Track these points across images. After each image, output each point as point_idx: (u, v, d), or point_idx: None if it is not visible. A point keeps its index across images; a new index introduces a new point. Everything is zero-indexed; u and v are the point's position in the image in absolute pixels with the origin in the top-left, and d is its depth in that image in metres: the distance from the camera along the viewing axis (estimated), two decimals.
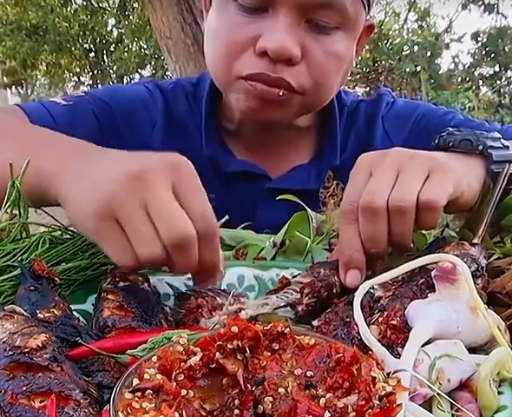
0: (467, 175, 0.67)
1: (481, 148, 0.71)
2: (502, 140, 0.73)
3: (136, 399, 0.40)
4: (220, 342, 0.43)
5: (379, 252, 0.61)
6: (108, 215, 0.54)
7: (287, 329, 0.45)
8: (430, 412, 0.43)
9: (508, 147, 0.73)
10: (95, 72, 11.11)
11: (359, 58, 8.09)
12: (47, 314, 0.53)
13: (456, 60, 7.52)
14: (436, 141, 0.75)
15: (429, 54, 7.16)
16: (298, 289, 0.60)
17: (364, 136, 1.02)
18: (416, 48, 7.34)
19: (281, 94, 0.83)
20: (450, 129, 0.74)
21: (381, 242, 0.60)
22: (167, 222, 0.53)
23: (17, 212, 0.67)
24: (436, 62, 7.23)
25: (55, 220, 0.72)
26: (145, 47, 10.27)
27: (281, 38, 0.80)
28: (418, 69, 7.06)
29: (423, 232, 0.70)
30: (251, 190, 0.97)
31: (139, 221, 0.53)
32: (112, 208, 0.53)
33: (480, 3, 7.28)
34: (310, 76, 0.84)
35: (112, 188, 0.54)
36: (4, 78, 10.95)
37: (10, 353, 0.44)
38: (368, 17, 0.92)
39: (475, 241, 0.63)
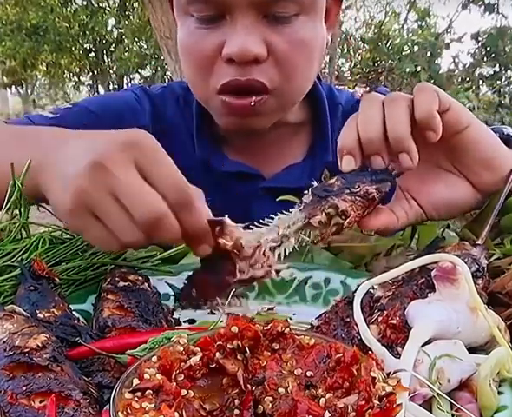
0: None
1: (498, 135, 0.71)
2: None
3: (136, 399, 0.40)
4: (220, 342, 0.43)
5: (372, 139, 0.63)
6: (82, 210, 0.55)
7: (287, 329, 0.45)
8: (430, 412, 0.43)
9: None
10: (95, 72, 11.10)
11: (359, 59, 8.09)
12: (47, 314, 0.53)
13: (456, 60, 7.52)
14: None
15: (429, 54, 7.16)
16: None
17: None
18: (416, 48, 7.34)
19: (253, 103, 0.83)
20: None
21: (374, 126, 0.63)
22: (136, 205, 0.54)
23: (18, 212, 0.67)
24: (436, 62, 7.23)
25: (57, 217, 0.72)
26: (145, 47, 10.26)
27: (242, 41, 0.79)
28: (418, 69, 7.05)
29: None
30: (245, 190, 0.97)
31: (111, 211, 0.55)
32: (83, 202, 0.55)
33: (480, 3, 7.28)
34: (279, 70, 0.83)
35: (78, 183, 0.55)
36: (4, 78, 10.95)
37: (10, 353, 0.44)
38: None
39: (478, 242, 0.63)
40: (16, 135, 0.79)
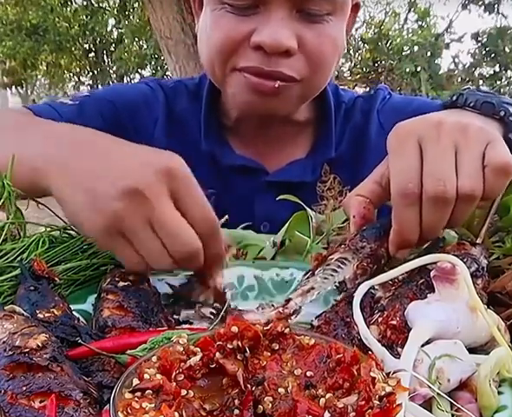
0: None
1: (502, 114, 0.70)
2: None
3: (136, 399, 0.40)
4: (220, 342, 0.43)
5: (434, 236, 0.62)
6: (115, 232, 0.57)
7: (287, 329, 0.45)
8: (430, 412, 0.43)
9: None
10: (95, 72, 11.10)
11: (359, 59, 8.09)
12: (47, 314, 0.53)
13: (456, 60, 7.51)
14: (455, 97, 0.74)
15: (429, 54, 7.15)
16: (338, 266, 0.59)
17: (359, 130, 1.04)
18: (416, 48, 7.34)
19: (277, 86, 0.84)
20: (471, 88, 0.74)
21: (441, 228, 0.61)
22: (174, 239, 0.57)
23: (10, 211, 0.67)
24: (436, 62, 7.22)
25: (57, 216, 0.72)
26: (145, 47, 10.26)
27: (276, 32, 0.81)
28: (418, 69, 7.05)
29: None
30: (249, 184, 0.99)
31: (146, 239, 0.57)
32: (117, 226, 0.57)
33: (480, 3, 7.27)
34: (308, 64, 0.85)
35: (113, 207, 0.56)
36: (4, 78, 10.94)
37: (10, 353, 0.44)
38: None
39: (477, 241, 0.63)
40: (29, 124, 0.79)
